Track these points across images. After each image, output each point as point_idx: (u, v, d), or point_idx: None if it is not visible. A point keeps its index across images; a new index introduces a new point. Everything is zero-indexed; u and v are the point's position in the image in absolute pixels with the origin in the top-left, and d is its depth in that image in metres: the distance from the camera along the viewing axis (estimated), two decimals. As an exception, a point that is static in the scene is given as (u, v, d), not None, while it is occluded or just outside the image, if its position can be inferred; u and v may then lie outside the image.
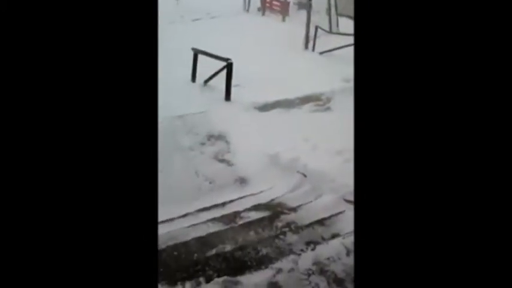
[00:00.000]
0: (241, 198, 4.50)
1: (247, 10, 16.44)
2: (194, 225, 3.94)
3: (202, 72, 7.48)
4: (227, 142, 5.54)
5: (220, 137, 5.63)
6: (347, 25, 12.87)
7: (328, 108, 6.70)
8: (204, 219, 4.04)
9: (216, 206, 4.35)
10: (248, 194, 4.58)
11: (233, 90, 6.89)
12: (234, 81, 6.89)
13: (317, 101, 6.93)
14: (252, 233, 3.83)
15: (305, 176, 4.68)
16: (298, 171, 4.76)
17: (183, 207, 4.21)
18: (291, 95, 7.00)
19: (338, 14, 12.83)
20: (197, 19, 15.06)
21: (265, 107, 6.57)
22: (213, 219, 4.03)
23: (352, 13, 13.63)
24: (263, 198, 4.45)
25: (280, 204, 4.34)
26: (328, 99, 6.97)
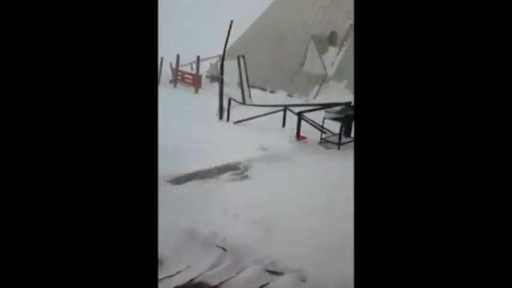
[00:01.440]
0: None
1: (159, 82, 16.54)
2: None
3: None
4: (140, 220, 5.11)
5: (132, 215, 5.19)
6: (260, 96, 13.48)
7: (246, 177, 6.64)
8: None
9: (128, 294, 3.84)
10: (164, 276, 4.15)
11: (146, 164, 6.57)
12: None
13: (234, 170, 6.86)
14: (169, 322, 3.40)
15: (225, 250, 4.40)
16: (217, 246, 4.48)
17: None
18: (208, 165, 6.86)
19: (250, 86, 13.43)
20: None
21: (180, 180, 6.31)
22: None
23: (263, 85, 14.34)
24: (181, 280, 4.05)
25: (200, 284, 3.98)
26: (246, 168, 6.94)
